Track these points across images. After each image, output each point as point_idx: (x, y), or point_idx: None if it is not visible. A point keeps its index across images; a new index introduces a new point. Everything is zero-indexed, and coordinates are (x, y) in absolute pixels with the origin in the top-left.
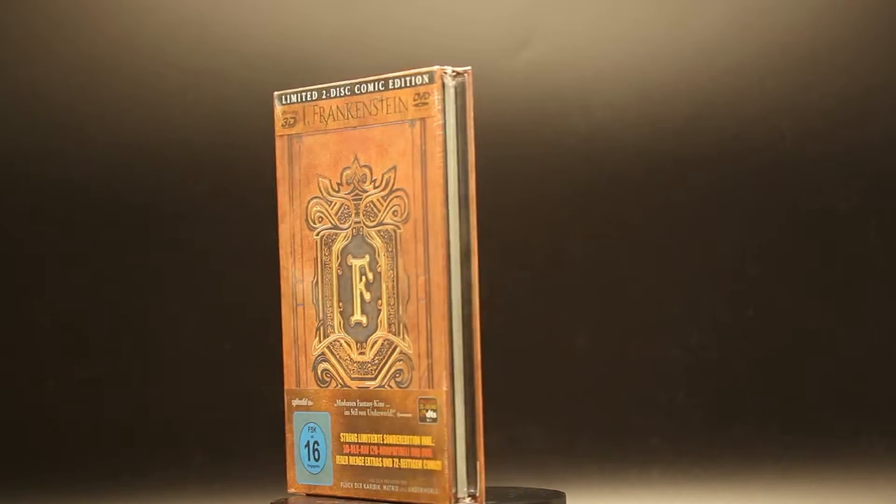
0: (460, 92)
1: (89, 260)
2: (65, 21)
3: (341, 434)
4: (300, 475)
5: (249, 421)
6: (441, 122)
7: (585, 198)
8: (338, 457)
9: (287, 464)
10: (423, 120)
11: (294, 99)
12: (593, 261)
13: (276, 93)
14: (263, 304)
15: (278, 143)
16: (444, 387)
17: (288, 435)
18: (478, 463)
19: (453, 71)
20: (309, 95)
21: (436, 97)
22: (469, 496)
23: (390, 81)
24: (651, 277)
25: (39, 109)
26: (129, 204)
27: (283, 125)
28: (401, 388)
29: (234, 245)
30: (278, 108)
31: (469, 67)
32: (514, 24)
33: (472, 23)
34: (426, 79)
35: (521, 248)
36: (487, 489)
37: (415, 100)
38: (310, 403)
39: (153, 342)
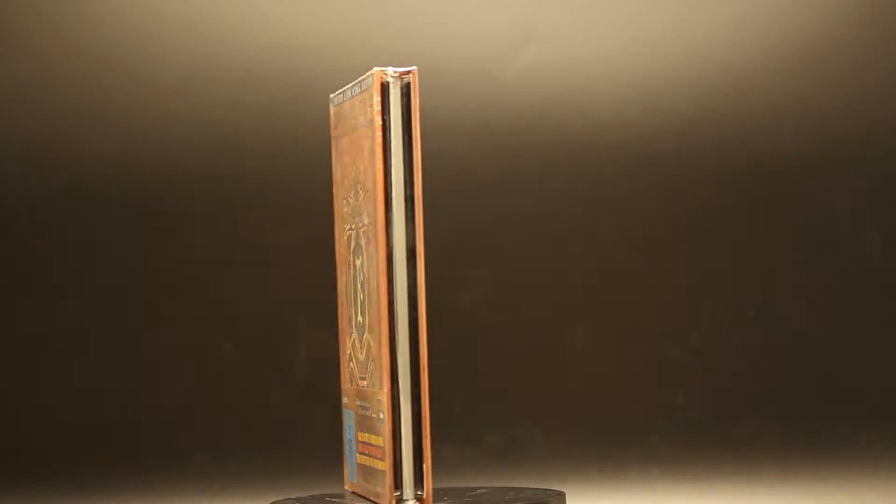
0: (405, 93)
1: (88, 260)
2: (65, 21)
3: (358, 433)
4: (349, 472)
5: (249, 421)
6: (379, 123)
7: (586, 198)
8: (357, 454)
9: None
10: (372, 121)
11: (336, 101)
12: (593, 261)
13: (331, 95)
14: (264, 303)
15: (332, 145)
16: (385, 387)
17: (343, 433)
18: (424, 465)
19: (395, 72)
20: (338, 98)
21: (375, 99)
22: (416, 498)
23: (362, 83)
24: (651, 277)
25: (40, 109)
26: (129, 204)
27: (333, 127)
28: (371, 388)
29: (234, 245)
30: (331, 110)
31: (414, 68)
32: (515, 25)
33: (472, 23)
34: (371, 81)
35: (521, 247)
36: (488, 490)
37: (370, 101)
38: (347, 401)
39: (153, 342)
